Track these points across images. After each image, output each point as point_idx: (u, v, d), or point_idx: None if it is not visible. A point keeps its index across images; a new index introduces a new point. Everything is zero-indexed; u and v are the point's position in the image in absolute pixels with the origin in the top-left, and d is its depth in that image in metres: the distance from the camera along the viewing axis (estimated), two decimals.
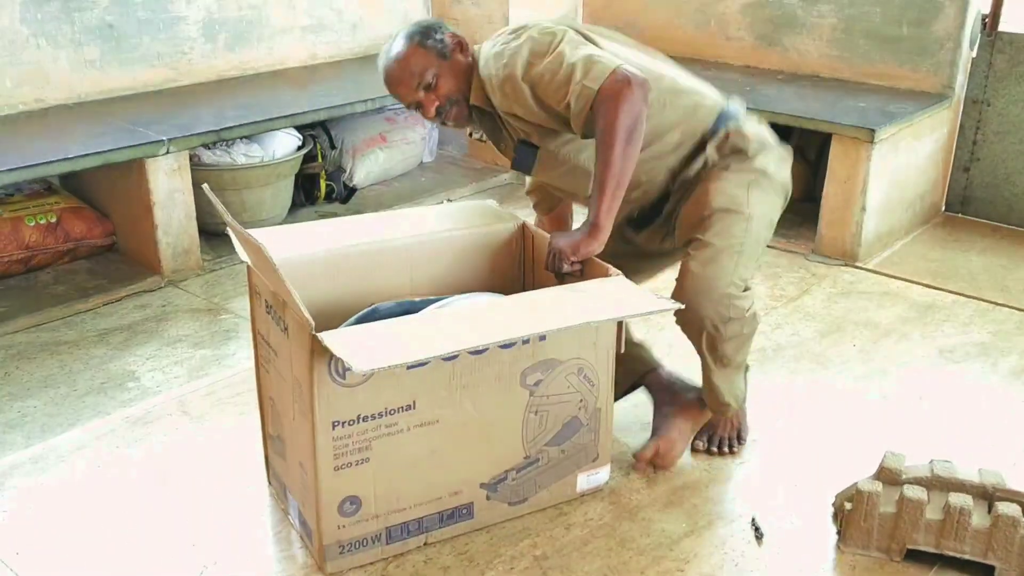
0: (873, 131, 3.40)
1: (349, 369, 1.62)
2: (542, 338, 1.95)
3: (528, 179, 2.52)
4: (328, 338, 1.69)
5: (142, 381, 2.69)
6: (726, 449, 2.39)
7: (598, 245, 2.05)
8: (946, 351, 2.95)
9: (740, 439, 2.42)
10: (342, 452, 1.85)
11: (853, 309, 3.21)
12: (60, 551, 2.04)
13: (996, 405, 2.66)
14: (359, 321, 1.96)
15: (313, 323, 1.72)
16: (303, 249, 2.13)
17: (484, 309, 1.90)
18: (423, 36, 2.14)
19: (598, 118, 1.96)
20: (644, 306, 1.92)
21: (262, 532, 2.10)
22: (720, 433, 2.40)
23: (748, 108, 3.62)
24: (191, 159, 3.34)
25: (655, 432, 2.34)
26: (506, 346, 1.92)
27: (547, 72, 2.02)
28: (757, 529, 2.13)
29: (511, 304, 1.91)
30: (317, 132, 4.01)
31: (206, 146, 3.49)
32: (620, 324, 2.04)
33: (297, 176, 3.86)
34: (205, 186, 1.92)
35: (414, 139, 4.39)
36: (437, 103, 2.16)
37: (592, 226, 2.03)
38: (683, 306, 2.00)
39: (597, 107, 1.96)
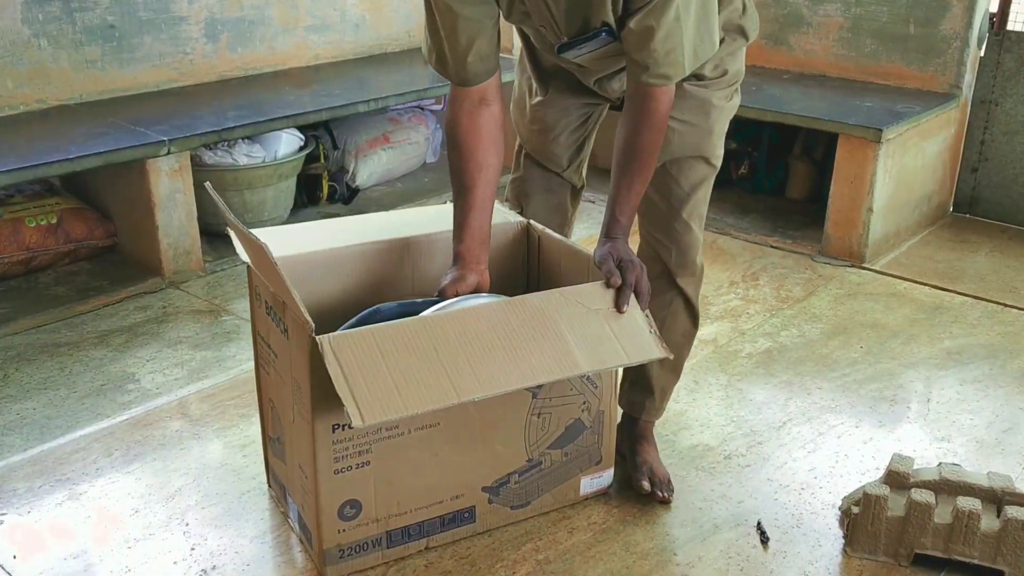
0: (880, 131, 3.37)
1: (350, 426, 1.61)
2: (538, 388, 1.95)
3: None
4: (334, 369, 1.66)
5: (142, 383, 2.67)
6: (665, 494, 2.18)
7: None
8: (954, 353, 2.92)
9: (671, 486, 2.22)
10: (342, 455, 1.83)
11: (860, 310, 3.19)
12: (57, 555, 2.02)
13: (1005, 407, 2.63)
14: (360, 322, 1.93)
15: (313, 324, 1.70)
16: (304, 249, 2.11)
17: (485, 323, 1.82)
18: None
19: (648, 130, 1.88)
20: (639, 354, 1.87)
21: (262, 536, 2.08)
22: (659, 475, 2.21)
23: (754, 108, 3.66)
24: (193, 160, 3.32)
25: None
26: None
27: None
28: (763, 533, 2.10)
29: (511, 316, 1.85)
30: (320, 132, 3.99)
31: (208, 146, 3.48)
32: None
33: (299, 177, 3.84)
34: (208, 184, 1.90)
35: (417, 140, 4.37)
36: None
37: (628, 233, 1.98)
38: (671, 355, 1.93)
39: (653, 111, 1.87)
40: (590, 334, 1.84)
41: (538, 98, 2.18)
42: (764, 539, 2.09)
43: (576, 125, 2.18)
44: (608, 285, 1.90)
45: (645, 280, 1.94)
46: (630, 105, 1.92)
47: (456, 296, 1.95)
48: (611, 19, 1.80)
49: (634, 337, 1.88)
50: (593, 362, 1.83)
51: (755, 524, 2.14)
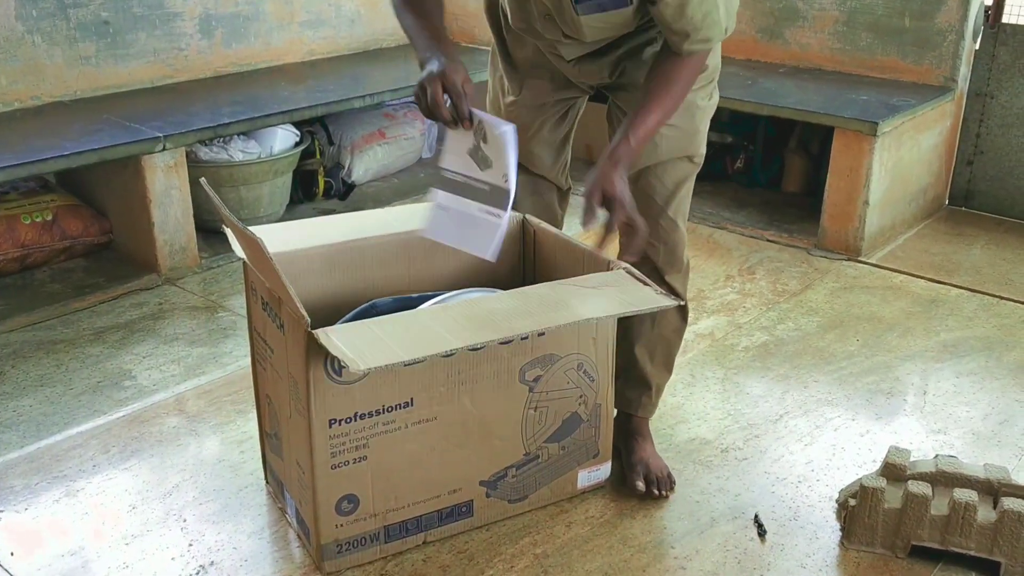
0: (876, 124, 3.37)
1: (345, 367, 1.60)
2: (541, 333, 1.93)
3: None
4: (324, 336, 1.67)
5: (138, 380, 2.67)
6: (663, 492, 2.18)
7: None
8: (950, 345, 2.92)
9: (671, 480, 2.23)
10: (339, 450, 1.83)
11: (856, 303, 3.19)
12: (55, 552, 2.02)
13: (1001, 400, 2.63)
14: (356, 317, 1.94)
15: (309, 320, 1.70)
16: (300, 244, 2.11)
17: (483, 305, 1.87)
18: None
19: (684, 67, 1.89)
20: (645, 302, 1.89)
21: (259, 531, 2.08)
22: (656, 473, 2.21)
23: (750, 102, 3.66)
24: (188, 156, 3.32)
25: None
26: (505, 342, 1.89)
27: None
28: (760, 526, 2.11)
29: (510, 300, 1.89)
30: (315, 128, 3.99)
31: (203, 143, 3.47)
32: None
33: (295, 173, 3.84)
34: (203, 180, 1.90)
35: (413, 135, 4.37)
36: None
37: (632, 158, 1.89)
38: (683, 302, 1.95)
39: (693, 64, 1.89)
40: (595, 302, 1.86)
41: (511, 97, 2.17)
42: (761, 532, 2.09)
43: (555, 121, 2.17)
44: (582, 224, 1.84)
45: (638, 219, 1.86)
46: (664, 58, 1.91)
47: (454, 84, 1.83)
48: None
49: (640, 295, 1.89)
50: (599, 310, 1.84)
51: (752, 517, 2.14)
